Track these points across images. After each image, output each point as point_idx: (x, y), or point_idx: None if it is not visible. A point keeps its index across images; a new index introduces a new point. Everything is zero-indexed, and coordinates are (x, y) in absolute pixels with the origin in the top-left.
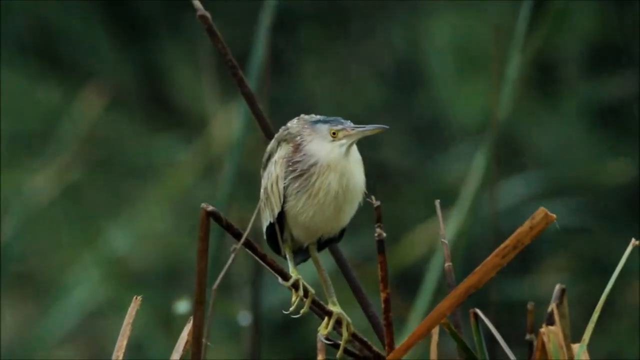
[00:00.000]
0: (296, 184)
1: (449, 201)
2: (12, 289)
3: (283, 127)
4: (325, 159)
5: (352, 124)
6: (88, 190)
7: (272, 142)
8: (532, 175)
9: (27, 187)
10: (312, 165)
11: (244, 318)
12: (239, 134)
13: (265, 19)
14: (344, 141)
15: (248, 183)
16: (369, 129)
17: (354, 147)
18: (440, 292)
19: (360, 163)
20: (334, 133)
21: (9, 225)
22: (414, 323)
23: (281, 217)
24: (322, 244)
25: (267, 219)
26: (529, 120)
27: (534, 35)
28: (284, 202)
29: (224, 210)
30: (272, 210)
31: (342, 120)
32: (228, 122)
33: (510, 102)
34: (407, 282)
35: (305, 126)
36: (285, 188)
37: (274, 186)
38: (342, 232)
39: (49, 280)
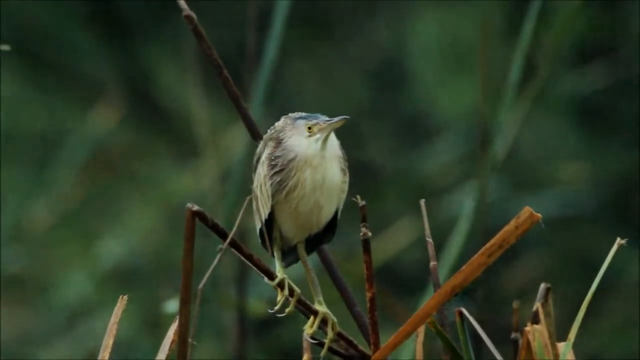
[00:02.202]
0: (278, 179)
1: (435, 198)
2: (5, 291)
3: (270, 127)
4: (303, 155)
5: (326, 118)
6: (80, 194)
7: (261, 144)
8: (521, 176)
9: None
10: (291, 160)
11: None
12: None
13: (251, 19)
14: (318, 135)
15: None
16: (336, 120)
17: (335, 143)
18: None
19: (338, 159)
20: (309, 128)
21: (6, 235)
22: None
23: (270, 215)
24: (312, 244)
25: (259, 221)
26: (516, 118)
27: (521, 33)
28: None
29: (223, 212)
30: (263, 209)
31: (319, 116)
32: (216, 125)
33: (498, 100)
34: (393, 278)
35: (288, 122)
36: (270, 184)
37: (263, 186)
38: (333, 232)
39: (38, 281)
